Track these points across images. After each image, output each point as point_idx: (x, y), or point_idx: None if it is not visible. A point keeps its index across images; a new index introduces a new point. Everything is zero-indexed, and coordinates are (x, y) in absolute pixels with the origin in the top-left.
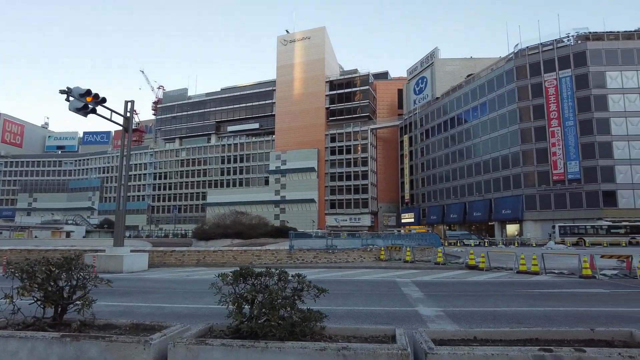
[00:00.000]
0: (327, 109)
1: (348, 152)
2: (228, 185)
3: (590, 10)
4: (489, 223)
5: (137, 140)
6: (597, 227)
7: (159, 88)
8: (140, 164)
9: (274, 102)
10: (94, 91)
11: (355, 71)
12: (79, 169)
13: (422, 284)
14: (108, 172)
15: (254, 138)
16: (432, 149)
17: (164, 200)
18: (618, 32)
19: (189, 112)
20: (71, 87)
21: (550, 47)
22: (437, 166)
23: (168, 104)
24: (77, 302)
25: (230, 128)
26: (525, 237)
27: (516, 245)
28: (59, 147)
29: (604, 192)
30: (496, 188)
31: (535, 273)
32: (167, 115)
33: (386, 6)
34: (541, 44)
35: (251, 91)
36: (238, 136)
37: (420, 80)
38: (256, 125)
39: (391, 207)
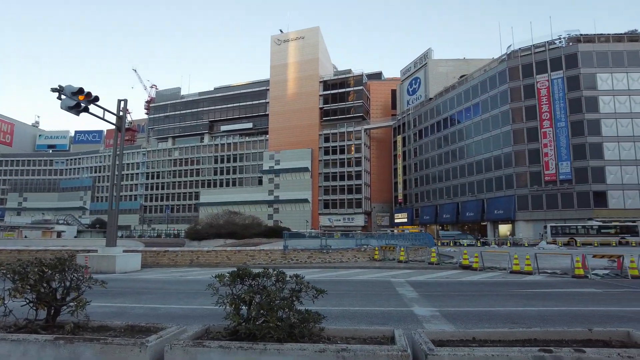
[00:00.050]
0: (320, 109)
1: (342, 152)
2: (221, 185)
3: (581, 13)
4: (482, 223)
5: (130, 139)
6: (588, 227)
7: (151, 87)
8: (132, 163)
9: (268, 102)
10: (86, 90)
11: (349, 71)
12: (70, 168)
13: (416, 284)
14: (100, 172)
15: (247, 138)
16: (426, 150)
17: (156, 200)
18: (608, 34)
19: (181, 112)
20: (63, 85)
21: (543, 48)
22: (430, 166)
23: (161, 103)
24: (71, 304)
25: (223, 127)
26: (518, 237)
27: (508, 245)
28: (49, 146)
29: (594, 192)
30: (489, 188)
31: (529, 273)
32: (160, 115)
33: (380, 7)
34: (533, 45)
35: (244, 91)
36: (231, 136)
37: (413, 81)
38: (249, 125)
39: (384, 207)
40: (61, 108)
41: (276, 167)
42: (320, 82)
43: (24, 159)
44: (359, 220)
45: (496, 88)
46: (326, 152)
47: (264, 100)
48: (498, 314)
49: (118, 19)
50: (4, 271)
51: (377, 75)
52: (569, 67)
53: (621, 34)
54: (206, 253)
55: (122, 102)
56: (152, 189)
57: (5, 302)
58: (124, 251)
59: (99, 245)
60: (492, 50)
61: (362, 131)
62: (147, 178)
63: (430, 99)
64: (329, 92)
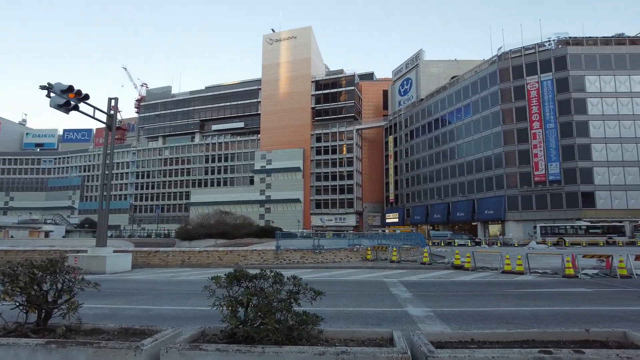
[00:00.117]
0: (312, 108)
1: (333, 152)
2: (212, 185)
3: (570, 16)
4: (472, 223)
5: (120, 138)
6: (577, 228)
7: (142, 85)
8: (122, 162)
9: (260, 101)
10: (76, 87)
11: (341, 71)
12: (58, 167)
13: (409, 284)
14: (89, 171)
15: (238, 137)
16: (417, 150)
17: (146, 200)
18: (596, 37)
19: (172, 110)
20: (52, 82)
21: (533, 50)
22: (421, 167)
23: (151, 102)
24: (63, 307)
25: (214, 127)
26: (508, 237)
27: (499, 245)
28: (37, 145)
29: (582, 193)
30: (479, 189)
31: (520, 273)
32: (151, 113)
33: (372, 8)
34: (524, 47)
35: (236, 90)
36: (223, 135)
37: (405, 82)
38: (241, 124)
39: (376, 207)
40: (50, 106)
41: (268, 166)
42: (312, 81)
43: (11, 158)
44: (351, 220)
45: (487, 89)
46: (318, 152)
47: (255, 100)
48: (492, 314)
49: (108, 16)
50: None
51: (369, 76)
52: (558, 69)
53: (609, 37)
54: (198, 253)
55: (113, 101)
56: (142, 188)
57: None
58: (114, 251)
59: (88, 246)
60: (483, 52)
61: (354, 131)
62: (137, 177)
63: (422, 99)
64: (320, 92)
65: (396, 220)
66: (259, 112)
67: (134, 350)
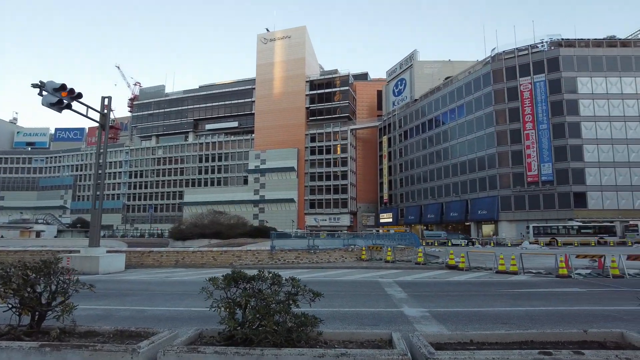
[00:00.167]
0: (307, 108)
1: (328, 152)
2: (206, 185)
3: (562, 18)
4: (466, 223)
5: (113, 137)
6: (569, 228)
7: (135, 84)
8: (115, 161)
9: (254, 101)
10: (68, 86)
11: (336, 71)
12: (50, 167)
13: (404, 284)
14: (81, 170)
15: (232, 137)
16: (411, 150)
17: (139, 199)
18: (588, 39)
19: (166, 110)
20: (44, 81)
21: (526, 52)
22: (415, 167)
23: (144, 101)
24: (57, 309)
25: (208, 126)
26: (501, 237)
27: (492, 245)
28: (28, 144)
29: (574, 193)
30: (472, 189)
31: (514, 273)
32: (144, 113)
33: (366, 8)
34: (517, 49)
35: (230, 89)
36: (216, 134)
37: (399, 82)
38: (235, 124)
39: (370, 207)
40: (42, 104)
41: (262, 166)
42: (307, 81)
43: (1, 157)
44: (345, 220)
45: (480, 90)
46: (312, 152)
47: (249, 99)
48: (487, 314)
49: (102, 14)
50: None
51: (363, 76)
52: (551, 70)
53: (600, 39)
54: (192, 254)
55: (107, 100)
56: (135, 188)
57: None
58: (107, 252)
59: (81, 246)
60: (477, 53)
61: (348, 131)
62: (130, 177)
63: (416, 100)
64: (315, 91)
65: (390, 220)
66: (253, 112)
67: (131, 353)
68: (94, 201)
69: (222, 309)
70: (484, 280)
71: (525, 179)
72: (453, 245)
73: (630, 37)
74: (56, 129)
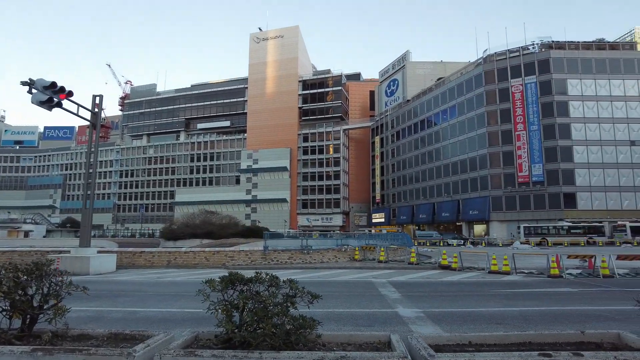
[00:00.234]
0: (299, 108)
1: (320, 152)
2: (197, 184)
3: (553, 20)
4: (457, 223)
5: (103, 136)
6: (559, 228)
7: (126, 83)
8: (105, 160)
9: (246, 100)
10: (59, 84)
11: (328, 71)
12: (39, 165)
13: (398, 284)
14: (71, 169)
15: (224, 136)
16: (403, 151)
17: (130, 199)
18: (578, 42)
19: (157, 109)
20: (33, 78)
21: (517, 53)
22: (407, 167)
23: (136, 100)
24: (49, 312)
25: (200, 125)
26: (492, 237)
27: (484, 245)
28: (16, 142)
29: (564, 194)
30: (464, 189)
31: (507, 273)
32: (135, 111)
33: (359, 8)
34: (508, 50)
35: (222, 88)
36: (208, 134)
37: (391, 83)
38: (227, 123)
39: (362, 207)
40: (32, 102)
41: (254, 166)
42: (300, 81)
43: None
44: (337, 220)
45: (472, 91)
46: (305, 152)
47: (242, 99)
48: (481, 314)
49: (93, 12)
50: None
51: (356, 76)
52: (542, 72)
53: (590, 42)
54: (184, 254)
55: (98, 98)
56: (126, 187)
57: None
58: (98, 252)
59: (71, 246)
60: (469, 54)
61: (341, 131)
62: (121, 176)
63: (408, 100)
64: (308, 91)
65: (382, 220)
66: (245, 111)
67: (126, 357)
68: (84, 201)
69: (219, 311)
70: (477, 281)
71: (516, 179)
72: (448, 245)
73: (618, 40)
74: (45, 128)
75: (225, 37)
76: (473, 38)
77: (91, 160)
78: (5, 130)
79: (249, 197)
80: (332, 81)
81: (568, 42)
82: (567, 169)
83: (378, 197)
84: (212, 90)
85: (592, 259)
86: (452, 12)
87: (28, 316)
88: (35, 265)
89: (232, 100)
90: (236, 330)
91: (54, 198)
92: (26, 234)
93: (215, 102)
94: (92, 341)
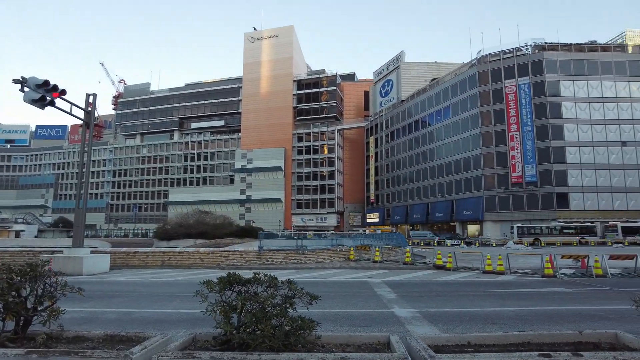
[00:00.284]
0: (294, 108)
1: (315, 152)
2: (191, 184)
3: (546, 22)
4: (451, 223)
5: (96, 135)
6: (551, 228)
7: (119, 82)
8: (99, 160)
9: (240, 100)
10: (51, 82)
11: (323, 71)
12: (30, 165)
13: (393, 284)
14: (64, 169)
15: (219, 136)
16: (397, 151)
17: (123, 199)
18: (571, 44)
19: (151, 108)
20: (25, 76)
21: (510, 55)
22: (401, 167)
23: (129, 99)
24: (43, 314)
25: (194, 125)
26: (485, 237)
27: (477, 245)
28: (7, 141)
29: (557, 194)
30: (458, 189)
31: (501, 273)
32: (128, 111)
33: (354, 9)
34: (502, 51)
35: (216, 88)
36: (202, 133)
37: (386, 83)
38: (221, 123)
39: (357, 207)
40: (24, 101)
41: (249, 166)
42: (294, 81)
43: None
44: (332, 220)
45: (466, 92)
46: (299, 152)
47: (236, 98)
48: (477, 314)
49: (85, 10)
50: None
51: (351, 77)
52: (535, 73)
53: (582, 44)
54: (178, 254)
55: (91, 97)
56: (119, 187)
57: None
58: (91, 252)
59: (63, 246)
60: (463, 55)
61: (335, 131)
62: (114, 176)
63: (402, 101)
64: (302, 91)
65: (377, 220)
66: (239, 111)
67: (123, 359)
68: (77, 200)
69: (218, 312)
70: (472, 281)
71: (509, 179)
72: (440, 244)
73: (610, 42)
74: (37, 126)
75: (220, 36)
76: (467, 39)
77: (84, 159)
78: None
79: (243, 197)
80: (326, 81)
81: (561, 43)
82: (559, 170)
83: (372, 197)
84: (206, 89)
85: (585, 259)
86: (446, 13)
87: (22, 318)
88: (29, 266)
89: (226, 99)
90: (235, 332)
91: (45, 198)
92: (17, 233)
93: (209, 101)
94: (88, 343)
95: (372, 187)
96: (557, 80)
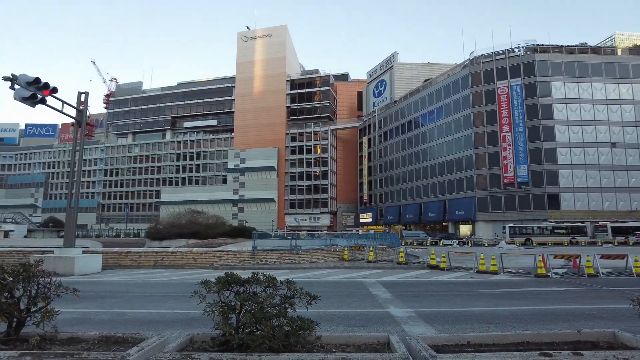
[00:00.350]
0: (287, 108)
1: (308, 151)
2: (184, 184)
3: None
4: (443, 223)
5: (87, 134)
6: (543, 228)
7: (111, 80)
8: (90, 159)
9: (234, 99)
10: (42, 80)
11: (317, 71)
12: (20, 164)
13: (388, 284)
14: (54, 168)
15: (211, 135)
16: (390, 151)
17: (115, 198)
18: (562, 45)
19: (143, 107)
20: (16, 74)
21: (503, 56)
22: (394, 168)
23: (121, 98)
24: (37, 315)
25: (186, 124)
26: (478, 237)
27: (470, 245)
28: None
29: (548, 194)
30: (450, 190)
31: (495, 273)
32: (120, 109)
33: (348, 9)
34: (494, 53)
35: (209, 87)
36: (195, 133)
37: (379, 83)
38: (214, 122)
39: (350, 207)
40: (14, 99)
41: (241, 165)
42: (288, 80)
43: None
44: (325, 220)
45: (459, 93)
46: (292, 152)
47: (229, 97)
48: (472, 314)
49: (77, 7)
50: None
51: (344, 77)
52: (527, 74)
53: (573, 46)
54: (171, 254)
55: (83, 95)
56: (110, 186)
57: None
58: (83, 252)
59: (53, 246)
60: (456, 56)
61: (329, 131)
62: (106, 175)
63: (396, 101)
64: (295, 91)
65: (370, 220)
66: (232, 110)
67: None
68: (69, 199)
69: (216, 313)
70: (466, 280)
71: (501, 180)
72: (431, 244)
73: (600, 45)
74: (26, 125)
75: (213, 36)
76: (460, 40)
77: (76, 158)
78: None
79: (236, 196)
80: (320, 81)
81: (552, 45)
82: (551, 170)
83: (365, 197)
84: (199, 88)
85: (577, 259)
86: (440, 15)
87: (15, 319)
88: (22, 267)
89: (219, 99)
90: (234, 333)
91: (35, 197)
92: (6, 233)
93: (202, 100)
94: (83, 345)
95: (365, 187)
96: (548, 82)
